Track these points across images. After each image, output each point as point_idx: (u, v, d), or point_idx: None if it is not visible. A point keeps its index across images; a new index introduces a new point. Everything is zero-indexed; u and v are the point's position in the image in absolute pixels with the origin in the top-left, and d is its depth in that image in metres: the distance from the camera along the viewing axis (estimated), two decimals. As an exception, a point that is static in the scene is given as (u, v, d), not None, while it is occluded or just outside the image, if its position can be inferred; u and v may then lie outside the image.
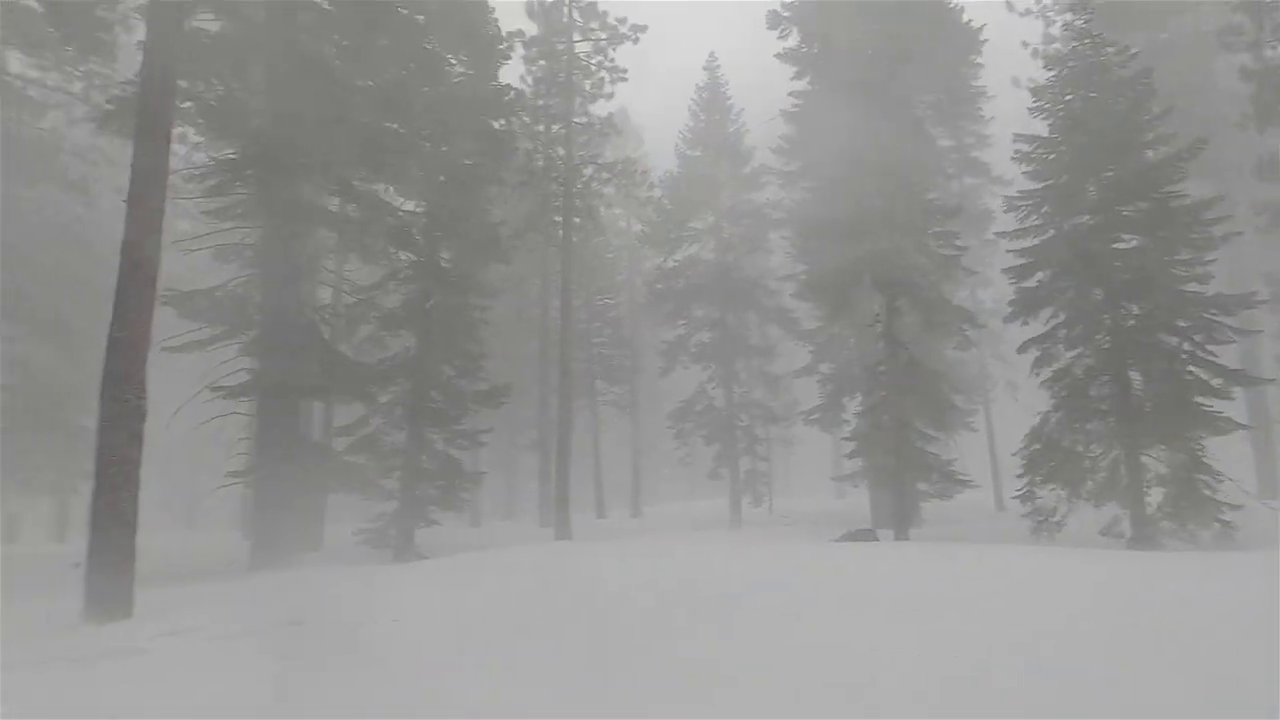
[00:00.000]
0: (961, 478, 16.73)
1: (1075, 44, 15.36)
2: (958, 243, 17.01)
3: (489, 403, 18.31)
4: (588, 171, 20.93)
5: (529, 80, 22.70)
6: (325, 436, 20.08)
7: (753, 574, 8.84)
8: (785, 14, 22.42)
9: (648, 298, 25.78)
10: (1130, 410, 13.69)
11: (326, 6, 15.49)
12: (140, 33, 15.10)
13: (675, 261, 25.47)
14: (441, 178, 16.78)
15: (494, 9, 18.27)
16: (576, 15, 22.50)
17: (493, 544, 17.77)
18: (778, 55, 22.24)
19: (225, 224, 15.95)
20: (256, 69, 14.79)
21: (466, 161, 17.03)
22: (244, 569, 14.61)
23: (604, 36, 22.01)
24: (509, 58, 18.28)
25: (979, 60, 23.13)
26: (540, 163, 21.03)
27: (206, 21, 13.79)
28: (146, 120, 8.58)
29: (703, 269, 25.15)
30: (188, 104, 13.49)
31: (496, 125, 17.93)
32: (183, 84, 11.90)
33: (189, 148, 15.69)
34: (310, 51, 14.68)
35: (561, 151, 21.33)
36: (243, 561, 15.79)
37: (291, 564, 14.38)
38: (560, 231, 21.27)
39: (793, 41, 22.08)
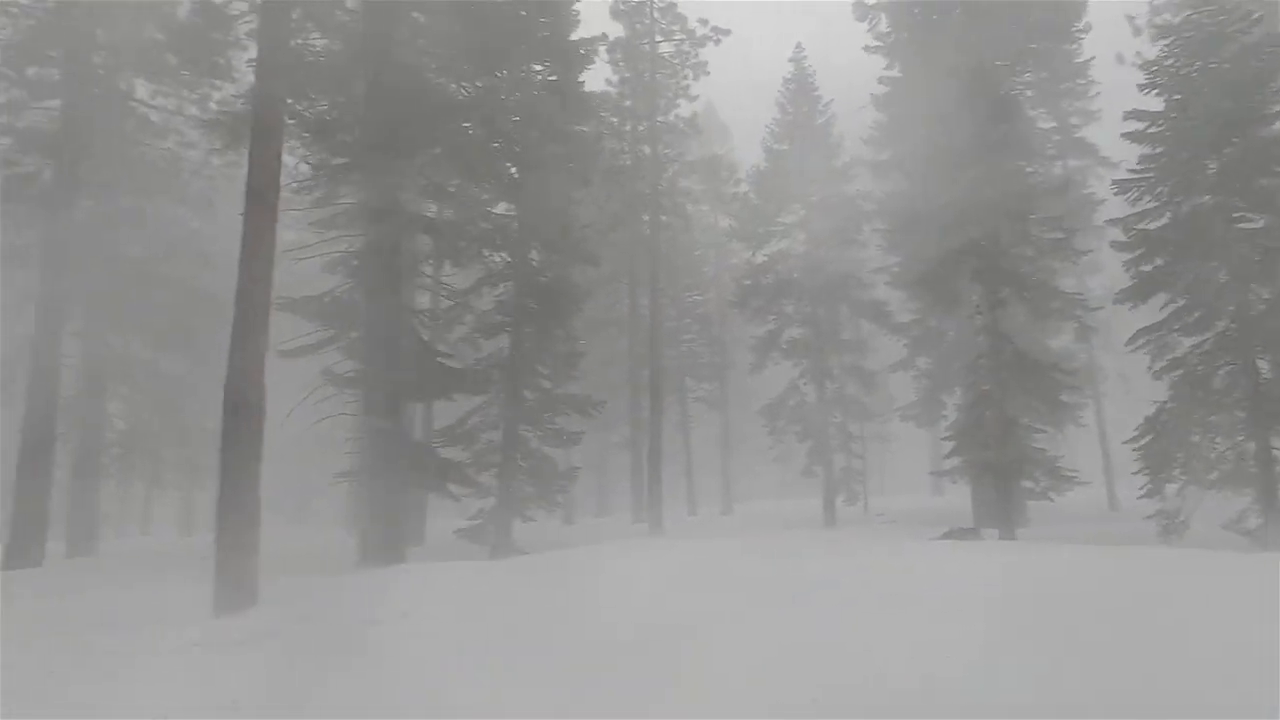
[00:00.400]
0: (1068, 474, 15.98)
1: (1190, 12, 14.43)
2: (1065, 225, 16.25)
3: (580, 410, 18.56)
4: (674, 169, 20.96)
5: (614, 81, 22.90)
6: (425, 436, 20.78)
7: (822, 573, 8.59)
8: (870, 2, 21.92)
9: (736, 294, 25.59)
10: (1259, 399, 12.79)
11: (422, 20, 16.02)
12: (251, 52, 16.02)
13: (764, 257, 25.20)
14: (530, 181, 17.12)
15: (579, 11, 18.52)
16: (659, 17, 22.58)
17: (586, 540, 18.00)
18: (866, 48, 21.76)
19: (329, 233, 16.70)
20: (357, 82, 15.42)
21: (554, 164, 17.31)
22: (352, 564, 15.26)
23: (684, 38, 22.02)
24: (593, 61, 18.49)
25: (1081, 30, 21.94)
26: (627, 162, 21.20)
27: (312, 39, 14.46)
28: (259, 136, 9.08)
29: (792, 264, 24.79)
30: (292, 120, 14.16)
31: (583, 128, 18.16)
32: (289, 100, 12.49)
33: (296, 160, 16.50)
34: (407, 62, 15.21)
35: (647, 150, 21.44)
36: (351, 557, 16.50)
37: (397, 559, 14.92)
38: (647, 230, 21.37)
39: (882, 27, 21.57)
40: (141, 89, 19.14)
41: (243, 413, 8.68)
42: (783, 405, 24.67)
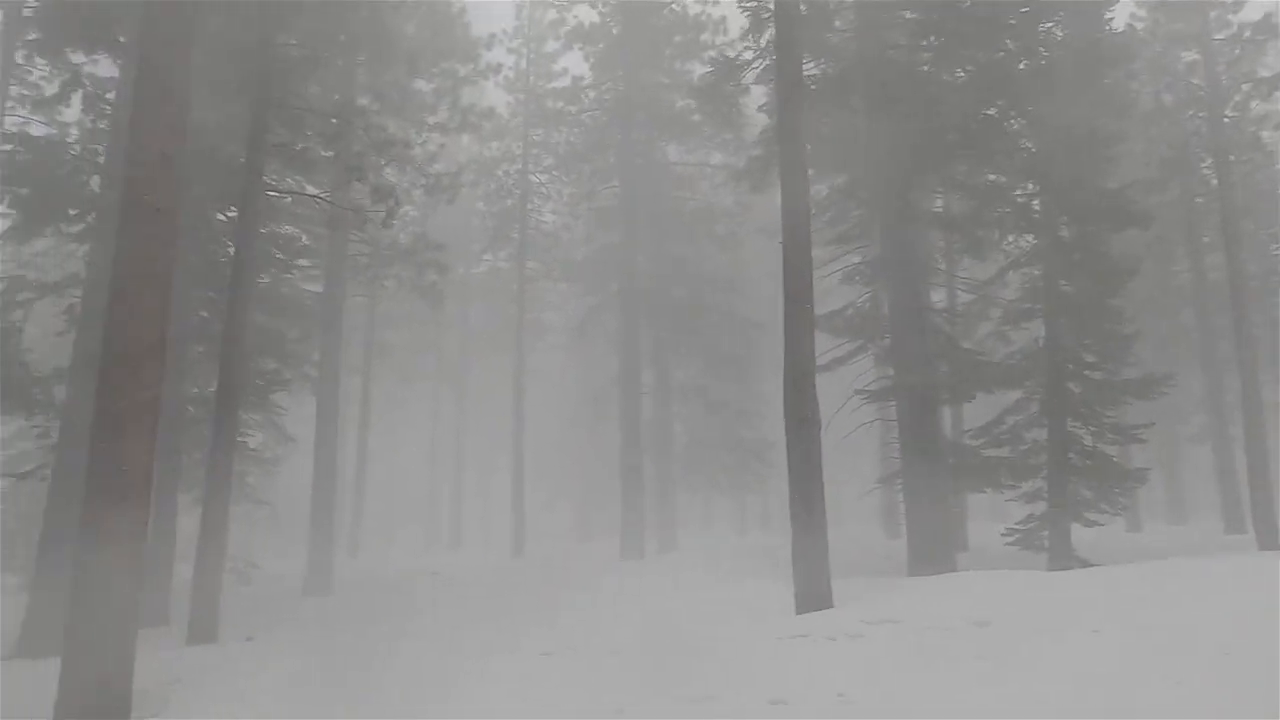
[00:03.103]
0: None
1: None
2: None
3: (1141, 394, 16.01)
4: (1241, 92, 16.91)
5: (1141, 14, 19.47)
6: (956, 435, 20.10)
7: None
8: None
9: (1358, 233, 19.55)
10: None
11: (910, 15, 15.74)
12: (756, 98, 17.57)
13: (1398, 177, 18.82)
14: (1053, 151, 15.46)
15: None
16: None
17: (1164, 551, 15.39)
18: None
19: (844, 247, 17.30)
20: (855, 97, 15.78)
21: (1080, 126, 15.37)
22: (901, 566, 15.38)
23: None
24: (1117, -1, 15.97)
25: None
26: (1169, 100, 17.80)
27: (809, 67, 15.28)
28: (789, 168, 9.81)
29: None
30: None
31: (1110, 77, 15.82)
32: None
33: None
34: (903, 62, 15.08)
35: (1197, 81, 17.71)
36: (896, 559, 16.66)
37: (947, 565, 14.58)
38: (1210, 174, 17.58)
39: None
40: (672, 152, 22.49)
41: (803, 426, 9.37)
42: None
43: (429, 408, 36.67)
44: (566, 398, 34.42)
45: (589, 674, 7.36)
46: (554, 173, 25.15)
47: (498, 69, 18.83)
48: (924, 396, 14.90)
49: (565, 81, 24.01)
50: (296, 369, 15.60)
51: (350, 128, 13.27)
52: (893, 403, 15.88)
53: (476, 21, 16.28)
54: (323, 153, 15.07)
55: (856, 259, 17.37)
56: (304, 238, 15.73)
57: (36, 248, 15.07)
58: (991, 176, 16.37)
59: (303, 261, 15.61)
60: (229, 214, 13.68)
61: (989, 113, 15.12)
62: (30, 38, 12.10)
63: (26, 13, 12.16)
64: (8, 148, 11.69)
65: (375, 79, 15.02)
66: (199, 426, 14.23)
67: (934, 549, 14.74)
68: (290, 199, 14.22)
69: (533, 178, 25.84)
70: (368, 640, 9.60)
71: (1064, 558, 15.23)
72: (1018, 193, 16.63)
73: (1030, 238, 16.43)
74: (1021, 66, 15.77)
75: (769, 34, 15.94)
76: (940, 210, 18.09)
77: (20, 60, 12.44)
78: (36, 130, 12.88)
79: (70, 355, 11.99)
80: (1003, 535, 16.60)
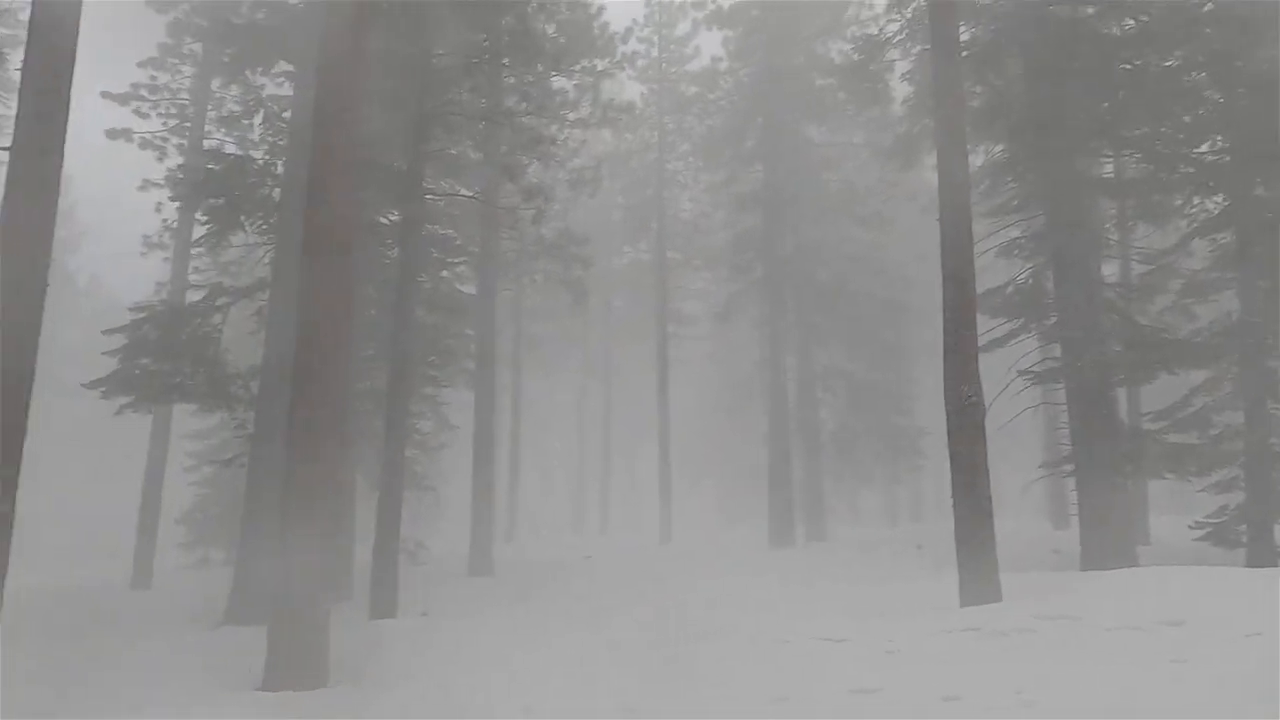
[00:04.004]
0: None
1: None
2: None
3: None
4: None
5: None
6: (1132, 419, 18.62)
7: None
8: None
9: None
10: None
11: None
12: (899, 67, 16.86)
13: None
14: (1246, 101, 13.95)
15: None
16: None
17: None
18: None
19: (1002, 220, 16.34)
20: (1012, 61, 14.84)
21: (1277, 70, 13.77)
22: (1073, 560, 14.48)
23: None
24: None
25: None
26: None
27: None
28: (945, 139, 9.36)
29: None
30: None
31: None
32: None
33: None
34: (1065, 18, 14.03)
35: None
36: (1067, 552, 15.67)
37: (1126, 559, 13.56)
38: None
39: None
40: (814, 132, 21.94)
41: (966, 410, 8.95)
42: None
43: (574, 399, 37.75)
44: (709, 384, 34.49)
45: (746, 662, 7.34)
46: (690, 159, 25.16)
47: (633, 59, 19.06)
48: (1097, 378, 13.88)
49: (699, 64, 23.96)
50: (456, 363, 16.44)
51: (499, 129, 13.85)
52: (1060, 385, 14.90)
53: (605, 9, 16.52)
54: (473, 155, 15.79)
55: (1016, 232, 16.35)
56: (457, 238, 16.52)
57: (229, 256, 16.65)
58: (1179, 136, 14.96)
59: (457, 260, 16.43)
60: (391, 218, 14.58)
61: (1167, 64, 13.82)
62: (224, 59, 13.40)
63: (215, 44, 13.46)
64: (211, 166, 13.03)
65: (520, 80, 15.56)
66: (371, 418, 15.32)
67: (1111, 542, 13.76)
68: (444, 201, 14.99)
69: (669, 166, 25.97)
70: (536, 617, 10.06)
71: (1266, 555, 13.85)
72: (1202, 150, 15.11)
73: (1219, 199, 14.92)
74: (1207, 8, 14.30)
75: (915, 4, 15.28)
76: (1110, 175, 16.72)
77: (215, 88, 13.83)
78: (228, 149, 14.25)
79: (262, 353, 13.18)
80: (1191, 529, 15.29)
